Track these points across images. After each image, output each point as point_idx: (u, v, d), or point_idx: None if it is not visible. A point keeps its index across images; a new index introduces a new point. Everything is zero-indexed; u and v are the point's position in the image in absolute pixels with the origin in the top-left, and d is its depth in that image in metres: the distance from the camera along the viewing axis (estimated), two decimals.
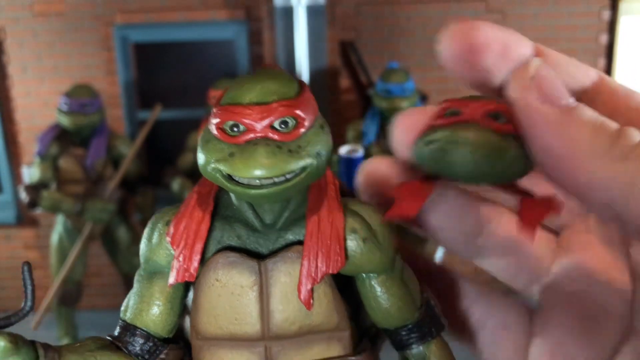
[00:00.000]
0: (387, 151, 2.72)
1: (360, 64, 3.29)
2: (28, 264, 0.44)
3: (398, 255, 0.49)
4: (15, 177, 3.56)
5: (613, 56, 3.40)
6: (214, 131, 0.45)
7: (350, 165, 2.33)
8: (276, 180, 0.43)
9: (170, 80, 3.63)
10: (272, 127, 0.44)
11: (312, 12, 3.11)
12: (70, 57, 3.38)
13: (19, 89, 3.44)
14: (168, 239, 0.47)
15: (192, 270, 0.47)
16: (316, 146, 0.45)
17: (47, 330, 3.13)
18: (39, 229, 3.58)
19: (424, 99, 2.89)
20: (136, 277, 0.51)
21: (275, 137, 0.44)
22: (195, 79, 3.50)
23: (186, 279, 0.47)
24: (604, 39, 3.40)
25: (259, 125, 0.43)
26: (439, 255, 2.74)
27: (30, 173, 2.82)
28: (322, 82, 3.28)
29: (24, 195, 2.65)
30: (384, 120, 2.66)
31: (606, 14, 3.36)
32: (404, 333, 0.49)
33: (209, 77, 3.11)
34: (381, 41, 3.37)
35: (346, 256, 0.46)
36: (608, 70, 3.43)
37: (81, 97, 2.67)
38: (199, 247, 0.47)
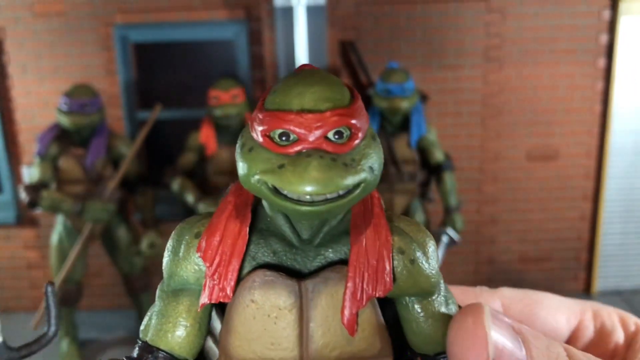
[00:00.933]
0: (387, 151, 2.71)
1: (360, 63, 3.28)
2: (52, 284, 0.41)
3: (442, 278, 0.46)
4: (15, 177, 3.55)
5: (613, 56, 3.40)
6: (260, 138, 0.41)
7: None
8: (329, 196, 0.40)
9: (170, 80, 3.63)
10: (325, 137, 0.40)
11: (312, 12, 3.11)
12: (70, 57, 3.38)
13: (19, 89, 3.43)
14: (199, 254, 0.43)
15: (228, 291, 0.43)
16: (370, 160, 0.42)
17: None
18: (39, 229, 3.58)
19: (424, 99, 2.89)
20: (158, 294, 0.47)
21: (329, 148, 0.40)
22: (195, 79, 3.50)
23: (221, 300, 0.43)
24: (604, 38, 3.39)
25: (312, 136, 0.40)
26: (439, 257, 2.73)
27: (30, 173, 2.81)
28: None
29: (23, 195, 2.64)
30: (384, 120, 2.66)
31: (606, 14, 3.36)
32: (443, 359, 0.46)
33: (208, 77, 3.11)
34: (381, 41, 3.37)
35: (393, 278, 0.43)
36: (608, 69, 3.43)
37: (81, 97, 2.66)
38: (235, 265, 0.43)
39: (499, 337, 0.38)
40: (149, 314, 0.47)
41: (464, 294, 0.55)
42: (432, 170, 2.74)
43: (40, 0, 3.32)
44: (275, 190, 0.40)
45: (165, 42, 3.43)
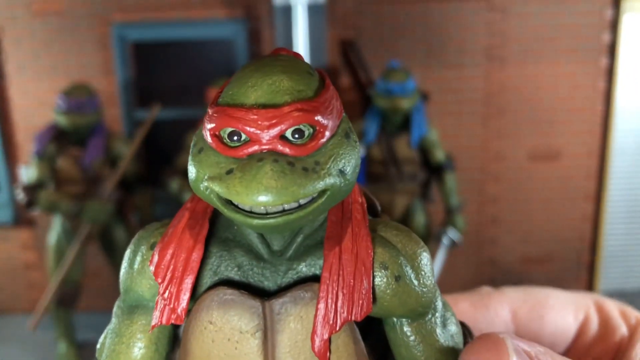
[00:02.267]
0: (387, 151, 2.69)
1: (361, 63, 3.26)
2: None
3: (439, 294, 0.40)
4: (13, 177, 3.53)
5: (615, 55, 3.37)
6: (209, 139, 0.36)
7: None
8: (287, 207, 0.34)
9: (169, 80, 3.61)
10: (282, 137, 0.35)
11: (312, 10, 3.09)
12: (68, 56, 3.36)
13: (17, 88, 3.41)
14: (151, 268, 0.39)
15: (179, 312, 0.38)
16: (339, 162, 0.35)
17: (44, 331, 3.10)
18: (36, 230, 3.56)
19: (424, 98, 2.87)
20: (115, 310, 0.43)
21: (287, 150, 0.34)
22: (194, 78, 3.48)
23: (172, 322, 0.38)
24: (606, 37, 3.37)
25: (266, 136, 0.34)
26: (439, 258, 2.71)
27: (28, 173, 2.79)
28: None
29: (21, 196, 2.62)
30: (384, 119, 2.64)
31: (608, 12, 3.34)
32: None
33: (207, 77, 3.09)
34: (381, 40, 3.35)
35: (374, 298, 0.37)
36: (610, 68, 3.41)
37: (79, 97, 2.64)
38: (189, 282, 0.38)
39: None
40: (105, 331, 0.43)
41: (473, 306, 0.52)
42: (433, 171, 2.72)
43: None
44: (227, 200, 0.35)
45: (164, 41, 3.41)
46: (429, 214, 2.83)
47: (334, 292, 0.36)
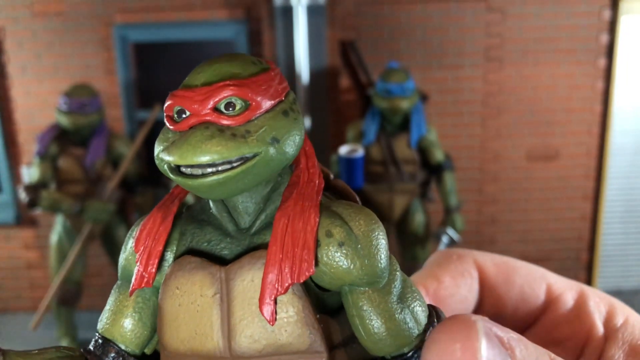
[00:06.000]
0: (387, 151, 2.70)
1: (360, 63, 3.28)
2: None
3: (395, 266, 0.41)
4: (15, 177, 3.55)
5: (613, 56, 3.39)
6: (165, 120, 0.41)
7: (350, 165, 2.32)
8: (220, 168, 0.38)
9: (170, 80, 3.62)
10: (216, 109, 0.39)
11: (312, 11, 3.11)
12: (70, 56, 3.37)
13: (19, 88, 3.43)
14: (133, 242, 0.44)
15: (146, 277, 0.42)
16: (271, 132, 0.39)
17: (46, 330, 3.12)
18: (38, 229, 3.57)
19: (424, 98, 2.89)
20: (113, 288, 0.47)
21: (221, 121, 0.39)
22: None
23: (144, 286, 0.42)
24: (604, 38, 3.39)
25: (203, 109, 0.39)
26: None
27: (30, 173, 2.81)
28: (322, 82, 3.27)
29: (23, 196, 2.64)
30: (384, 120, 2.65)
31: (607, 14, 3.35)
32: None
33: None
34: (381, 41, 3.37)
35: (317, 263, 0.39)
36: (609, 69, 3.43)
37: (80, 97, 2.66)
38: (157, 250, 0.42)
39: None
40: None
41: (453, 278, 0.51)
42: (432, 170, 2.74)
43: (40, 0, 3.31)
44: (176, 169, 0.40)
45: (165, 42, 3.43)
46: (429, 213, 2.85)
47: (279, 257, 0.39)
